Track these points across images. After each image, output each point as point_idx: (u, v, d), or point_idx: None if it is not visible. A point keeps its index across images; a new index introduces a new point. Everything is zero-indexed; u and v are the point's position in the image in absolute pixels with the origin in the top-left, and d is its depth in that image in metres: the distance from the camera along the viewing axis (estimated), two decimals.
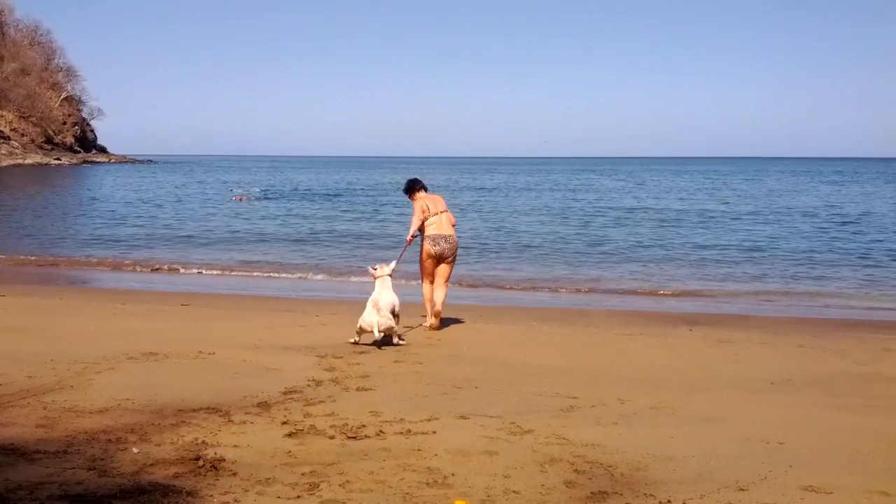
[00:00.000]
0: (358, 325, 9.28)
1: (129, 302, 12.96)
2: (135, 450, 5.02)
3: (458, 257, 11.09)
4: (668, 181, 79.42)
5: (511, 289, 16.28)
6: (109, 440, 5.23)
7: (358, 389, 6.93)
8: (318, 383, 7.14)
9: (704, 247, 23.56)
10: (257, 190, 55.91)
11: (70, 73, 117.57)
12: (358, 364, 8.17)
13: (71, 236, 26.08)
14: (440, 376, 7.64)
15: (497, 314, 12.65)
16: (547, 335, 10.72)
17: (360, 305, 13.13)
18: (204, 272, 18.39)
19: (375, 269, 9.87)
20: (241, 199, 44.05)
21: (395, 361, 8.41)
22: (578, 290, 16.12)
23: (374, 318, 9.16)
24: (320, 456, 5.06)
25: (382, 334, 9.20)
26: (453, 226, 10.93)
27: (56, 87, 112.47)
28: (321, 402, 6.42)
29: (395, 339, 9.48)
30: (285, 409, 6.18)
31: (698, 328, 11.70)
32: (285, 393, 6.72)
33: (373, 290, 9.65)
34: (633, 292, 15.88)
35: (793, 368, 8.70)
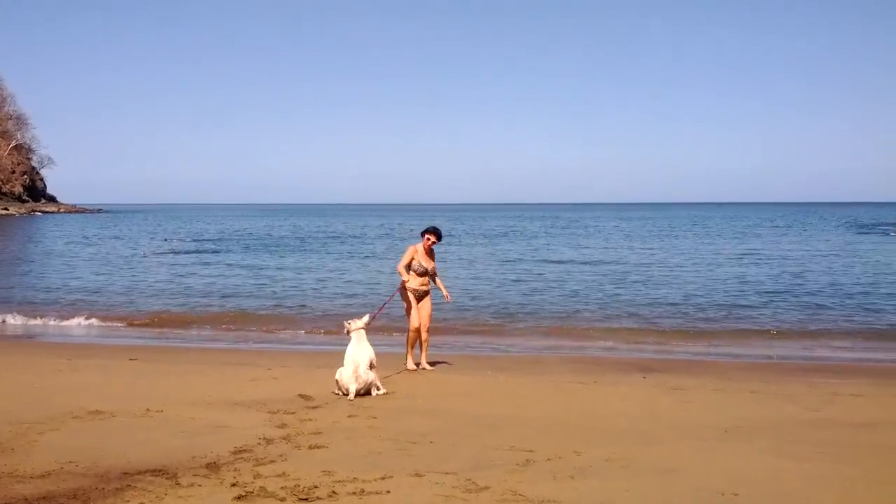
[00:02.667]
0: (335, 379, 9.51)
1: (75, 357, 12.64)
2: None
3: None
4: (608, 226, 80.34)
5: (467, 334, 16.23)
6: None
7: (310, 447, 6.77)
8: (269, 441, 6.97)
9: (654, 297, 23.73)
10: (167, 241, 53.32)
11: (20, 120, 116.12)
12: (310, 420, 8.01)
13: None
14: (394, 430, 7.51)
15: (452, 363, 12.56)
16: (502, 385, 10.67)
17: (312, 356, 13.02)
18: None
19: (349, 324, 10.00)
20: (146, 255, 40.06)
21: (349, 416, 8.27)
22: (535, 334, 16.13)
23: (353, 384, 9.34)
24: None
25: (364, 391, 9.43)
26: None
27: (5, 135, 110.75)
28: (272, 461, 6.26)
29: (374, 392, 9.53)
30: (235, 469, 6.01)
31: (652, 375, 11.74)
32: (235, 452, 6.54)
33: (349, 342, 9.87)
34: (586, 337, 15.92)
35: (745, 415, 8.73)
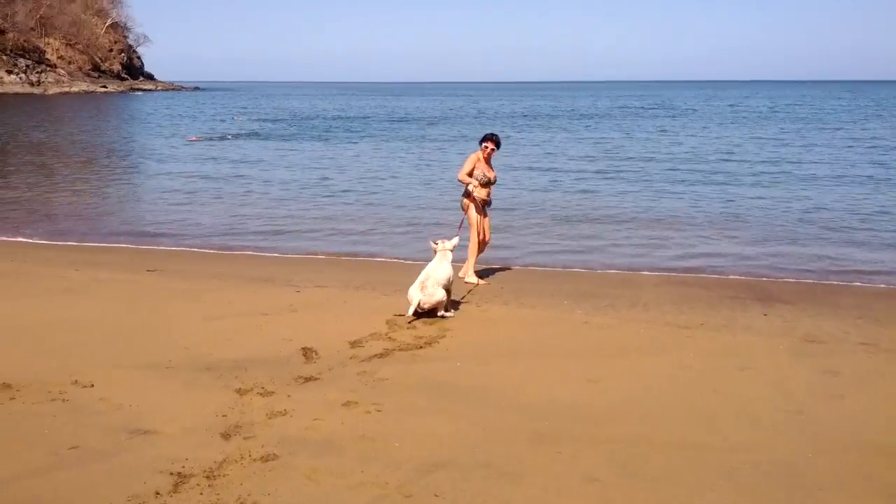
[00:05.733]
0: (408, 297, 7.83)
1: (86, 266, 10.10)
2: None
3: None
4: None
5: (555, 237, 12.93)
6: None
7: None
8: (180, 482, 4.05)
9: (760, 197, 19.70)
10: (242, 119, 48.85)
11: None
12: (282, 415, 5.05)
13: None
14: (387, 455, 4.45)
15: (522, 284, 9.46)
16: (579, 328, 7.52)
17: (359, 269, 10.33)
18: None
19: (438, 244, 8.28)
20: (195, 140, 33.21)
21: (344, 404, 5.28)
22: (632, 237, 12.68)
23: (417, 295, 7.67)
24: None
25: (429, 308, 7.73)
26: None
27: (101, 13, 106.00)
28: None
29: (441, 312, 7.81)
30: None
31: (774, 310, 8.39)
32: None
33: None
34: (693, 245, 12.35)
35: None
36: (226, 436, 4.68)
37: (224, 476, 4.13)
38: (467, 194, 9.43)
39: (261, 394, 5.44)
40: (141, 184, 20.02)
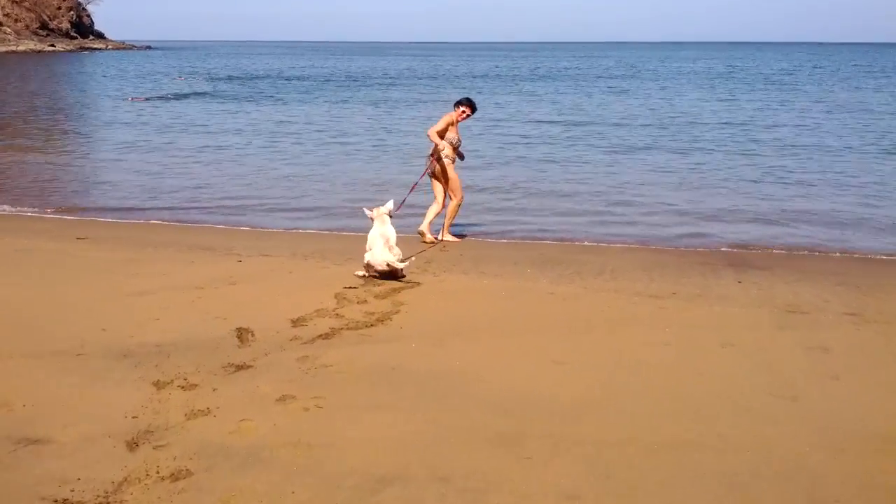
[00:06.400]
0: (366, 262, 7.34)
1: (9, 234, 9.13)
2: None
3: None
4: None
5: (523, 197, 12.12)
6: None
7: None
8: None
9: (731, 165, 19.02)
10: (180, 78, 46.59)
11: None
12: (205, 414, 4.23)
13: None
14: (328, 471, 3.64)
15: (483, 251, 8.71)
16: (544, 300, 6.79)
17: (306, 239, 9.51)
18: None
19: (371, 211, 7.73)
20: (139, 100, 31.38)
21: (279, 400, 4.45)
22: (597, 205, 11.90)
23: (388, 256, 7.25)
24: None
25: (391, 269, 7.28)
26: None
27: None
28: None
29: (402, 272, 7.36)
30: None
31: (748, 277, 7.76)
32: None
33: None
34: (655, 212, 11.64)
35: None
36: (132, 445, 3.83)
37: (120, 503, 3.29)
38: (433, 153, 8.87)
39: (182, 387, 4.59)
40: (78, 147, 18.63)
